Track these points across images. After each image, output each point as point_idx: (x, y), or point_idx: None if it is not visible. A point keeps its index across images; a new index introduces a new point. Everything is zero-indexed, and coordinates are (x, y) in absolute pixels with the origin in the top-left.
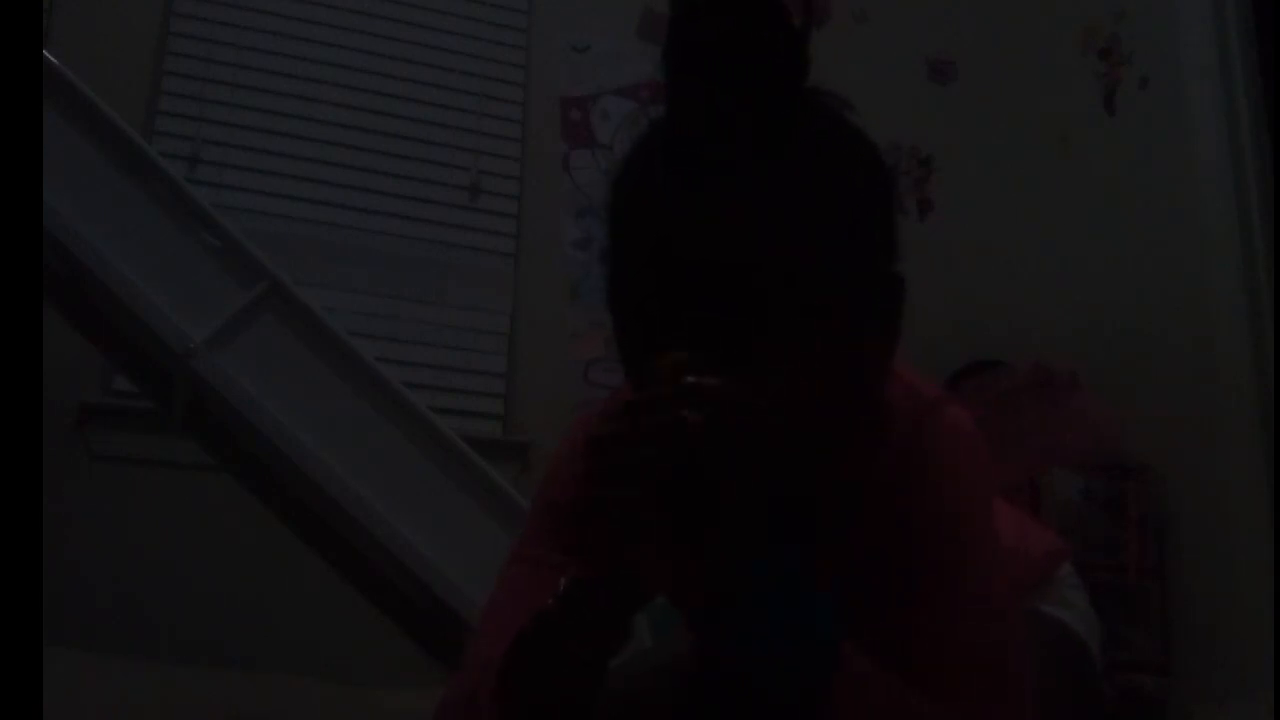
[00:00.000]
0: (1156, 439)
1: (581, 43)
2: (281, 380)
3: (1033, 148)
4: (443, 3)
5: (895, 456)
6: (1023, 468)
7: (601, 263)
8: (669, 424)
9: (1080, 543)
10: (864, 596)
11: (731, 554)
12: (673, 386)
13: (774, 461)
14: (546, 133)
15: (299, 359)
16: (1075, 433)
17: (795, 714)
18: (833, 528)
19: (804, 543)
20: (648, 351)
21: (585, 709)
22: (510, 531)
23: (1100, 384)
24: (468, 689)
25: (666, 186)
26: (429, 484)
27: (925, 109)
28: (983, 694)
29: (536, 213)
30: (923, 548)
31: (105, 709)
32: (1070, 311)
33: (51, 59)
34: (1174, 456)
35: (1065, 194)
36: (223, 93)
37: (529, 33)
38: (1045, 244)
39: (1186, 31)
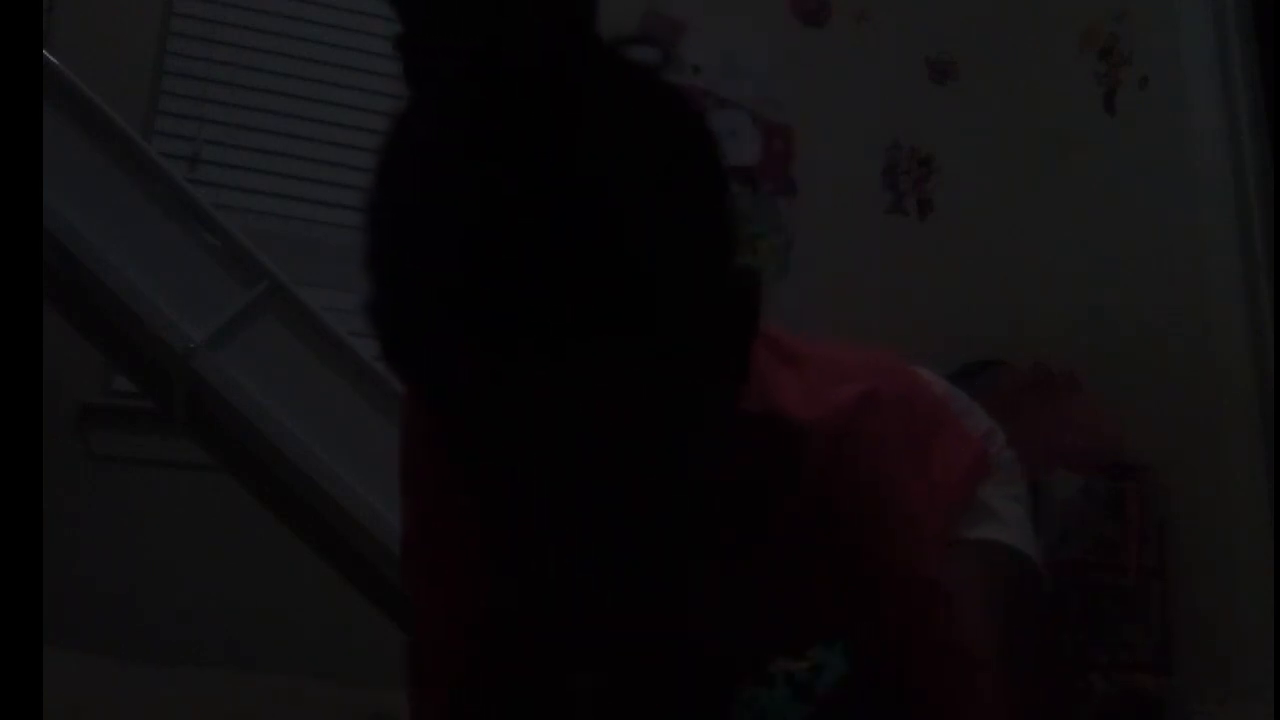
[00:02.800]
0: (1156, 439)
1: None
2: (281, 380)
3: (1033, 148)
4: None
5: (813, 479)
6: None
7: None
8: None
9: (1080, 543)
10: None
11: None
12: None
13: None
14: None
15: (299, 359)
16: (1075, 433)
17: None
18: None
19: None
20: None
21: None
22: None
23: (1100, 384)
24: None
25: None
26: None
27: (925, 109)
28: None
29: None
30: (867, 574)
31: (105, 710)
32: (1070, 312)
33: (51, 59)
34: (1174, 456)
35: (1065, 194)
36: (223, 93)
37: None
38: (1045, 244)
39: (1186, 31)
